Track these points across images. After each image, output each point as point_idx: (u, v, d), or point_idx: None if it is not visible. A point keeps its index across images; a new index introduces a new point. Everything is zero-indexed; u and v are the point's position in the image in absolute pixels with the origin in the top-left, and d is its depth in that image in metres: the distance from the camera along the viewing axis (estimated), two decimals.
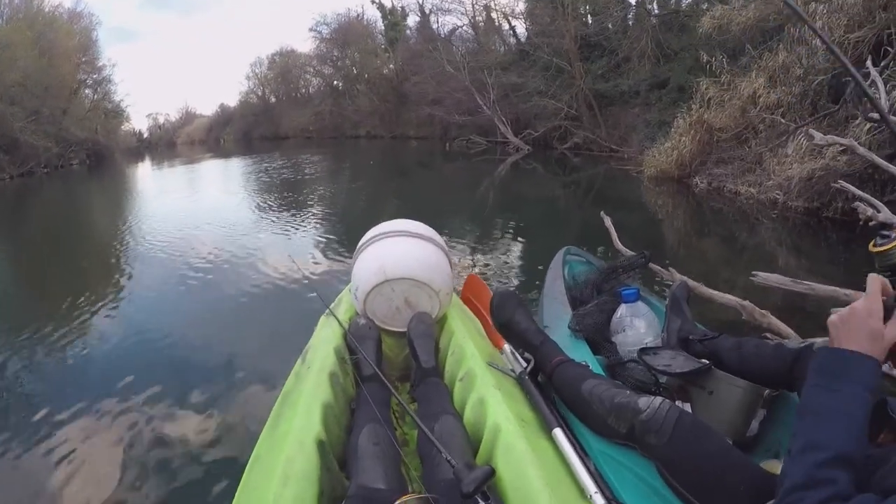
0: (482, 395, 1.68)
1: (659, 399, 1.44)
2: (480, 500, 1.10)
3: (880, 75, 5.42)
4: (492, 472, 1.11)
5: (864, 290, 0.98)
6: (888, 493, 0.85)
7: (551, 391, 1.80)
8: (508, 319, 2.00)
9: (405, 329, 2.10)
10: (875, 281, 0.99)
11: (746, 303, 2.74)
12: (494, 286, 3.82)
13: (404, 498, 1.17)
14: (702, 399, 1.67)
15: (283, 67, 43.35)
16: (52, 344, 3.71)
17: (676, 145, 10.09)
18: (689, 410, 1.67)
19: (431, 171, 17.66)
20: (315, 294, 2.68)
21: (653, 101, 15.95)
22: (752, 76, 9.27)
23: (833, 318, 0.99)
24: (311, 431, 1.48)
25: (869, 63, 5.44)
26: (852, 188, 4.02)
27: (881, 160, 4.28)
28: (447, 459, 1.18)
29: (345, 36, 35.52)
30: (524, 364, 1.92)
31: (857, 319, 0.97)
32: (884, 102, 4.97)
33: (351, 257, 2.41)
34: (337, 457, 1.54)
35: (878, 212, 3.32)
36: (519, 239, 6.54)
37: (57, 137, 24.36)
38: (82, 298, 4.68)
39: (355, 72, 35.76)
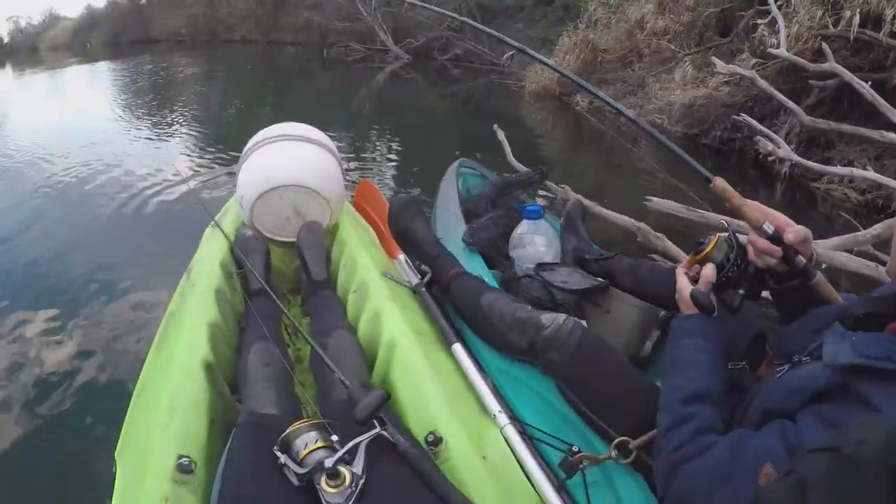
0: (377, 307, 1.62)
1: (563, 316, 1.43)
2: (376, 424, 1.06)
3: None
4: (386, 397, 1.06)
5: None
6: (762, 423, 0.92)
7: (447, 304, 1.76)
8: (406, 227, 1.94)
9: (295, 239, 1.97)
10: (677, 272, 1.22)
11: (642, 225, 2.76)
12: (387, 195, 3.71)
13: (297, 424, 1.11)
14: (598, 317, 1.69)
15: None
16: None
17: (560, 63, 10.14)
18: (585, 325, 1.65)
19: (310, 77, 16.88)
20: (199, 205, 2.42)
21: (538, 18, 15.95)
22: (641, 1, 9.37)
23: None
24: (198, 354, 1.38)
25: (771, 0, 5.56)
26: (753, 122, 4.03)
27: (780, 95, 4.32)
28: (340, 380, 1.12)
29: None
30: (419, 276, 1.86)
31: (678, 297, 1.20)
32: (783, 39, 5.06)
33: (235, 164, 2.20)
34: (228, 379, 1.45)
35: (779, 147, 3.38)
36: (404, 150, 6.39)
37: None
38: None
39: None
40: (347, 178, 2.24)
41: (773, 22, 5.48)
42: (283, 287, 2.08)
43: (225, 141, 6.32)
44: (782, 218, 1.13)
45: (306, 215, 1.99)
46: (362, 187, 2.51)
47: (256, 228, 1.99)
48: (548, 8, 15.75)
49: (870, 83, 4.11)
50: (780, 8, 5.54)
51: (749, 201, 1.16)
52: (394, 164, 5.69)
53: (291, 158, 2.00)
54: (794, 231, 1.10)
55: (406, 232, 1.94)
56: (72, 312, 2.67)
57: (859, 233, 3.21)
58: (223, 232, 1.92)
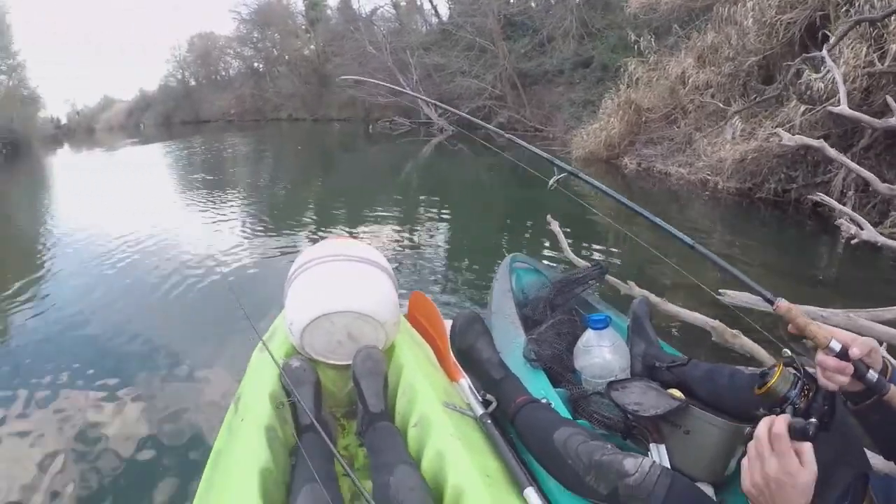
0: (440, 446, 1.49)
1: (648, 461, 1.30)
2: None
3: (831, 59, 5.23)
4: None
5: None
6: None
7: (512, 432, 1.64)
8: (470, 346, 1.85)
9: (349, 362, 1.85)
10: (773, 440, 0.94)
11: (716, 323, 2.55)
12: (438, 301, 3.55)
13: None
14: (677, 437, 1.55)
15: (203, 50, 42.41)
16: None
17: (605, 126, 10.10)
18: (664, 449, 1.55)
19: (356, 154, 17.42)
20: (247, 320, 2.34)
21: (577, 80, 16.12)
22: (680, 56, 9.31)
23: (748, 488, 0.96)
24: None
25: (825, 51, 5.29)
26: (832, 202, 3.50)
27: (852, 163, 3.94)
28: None
29: (265, 17, 34.90)
30: (483, 405, 1.73)
31: (779, 487, 0.91)
32: (843, 95, 4.64)
33: (284, 262, 2.15)
34: None
35: (862, 229, 3.05)
36: (453, 234, 6.29)
37: None
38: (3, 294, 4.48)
39: (276, 53, 35.26)
40: (399, 287, 2.15)
41: (820, 66, 5.28)
42: (336, 411, 1.98)
43: (275, 228, 6.45)
44: (847, 334, 1.07)
45: (360, 339, 1.88)
46: (415, 300, 2.35)
47: (307, 352, 1.90)
48: (586, 70, 15.91)
49: None
50: (828, 51, 5.34)
51: (814, 322, 1.11)
52: (442, 253, 5.49)
53: (343, 281, 1.90)
54: (859, 344, 1.05)
55: (469, 351, 1.85)
56: (123, 392, 2.90)
57: None
58: (272, 357, 1.83)
